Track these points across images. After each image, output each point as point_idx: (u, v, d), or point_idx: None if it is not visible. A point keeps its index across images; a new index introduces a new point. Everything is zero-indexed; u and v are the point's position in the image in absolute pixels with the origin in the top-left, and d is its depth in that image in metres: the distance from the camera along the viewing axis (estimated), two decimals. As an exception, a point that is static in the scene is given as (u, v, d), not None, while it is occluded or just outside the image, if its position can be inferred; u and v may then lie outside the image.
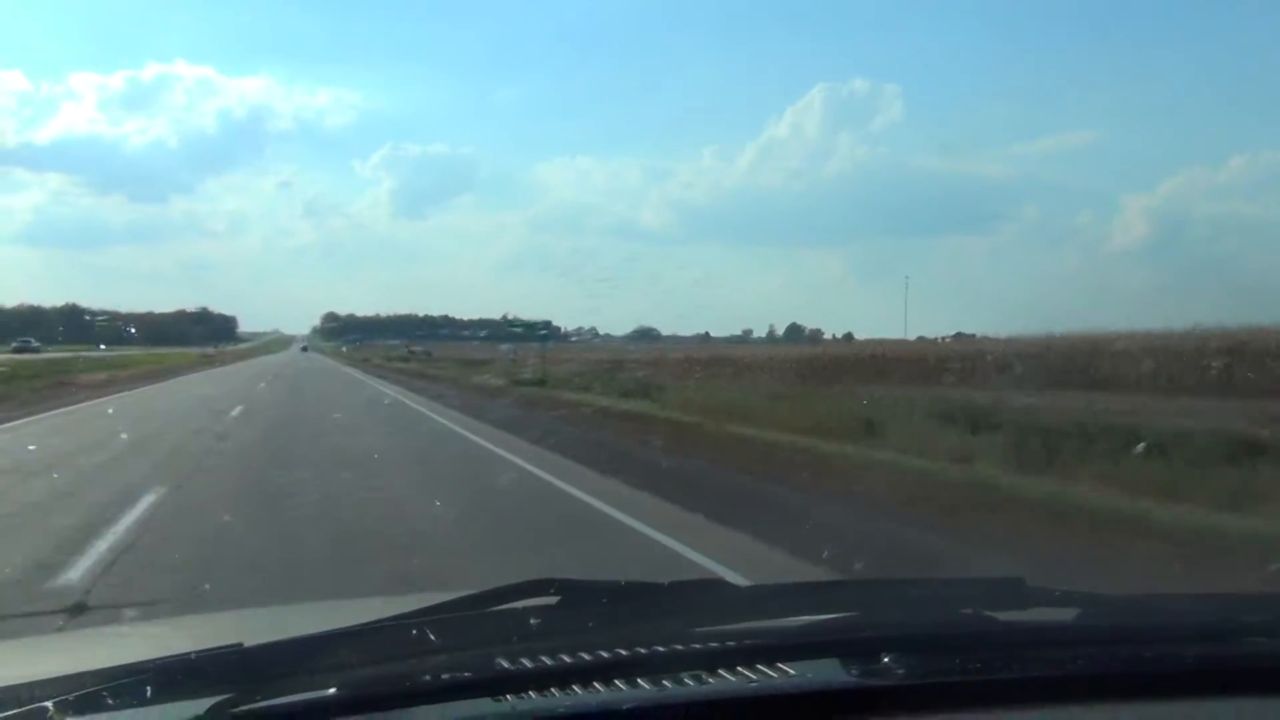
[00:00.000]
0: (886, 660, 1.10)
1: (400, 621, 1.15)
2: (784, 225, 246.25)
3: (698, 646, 1.11)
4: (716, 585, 1.38)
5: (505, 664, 1.05)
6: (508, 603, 1.20)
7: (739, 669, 1.10)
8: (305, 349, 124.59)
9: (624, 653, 1.09)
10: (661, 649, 1.10)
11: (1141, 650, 1.17)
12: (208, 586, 4.79)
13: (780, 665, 1.11)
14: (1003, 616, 1.22)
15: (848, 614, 1.22)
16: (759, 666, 1.10)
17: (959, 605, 1.29)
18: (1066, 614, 1.25)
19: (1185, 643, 1.20)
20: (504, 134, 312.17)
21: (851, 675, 1.10)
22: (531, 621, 1.15)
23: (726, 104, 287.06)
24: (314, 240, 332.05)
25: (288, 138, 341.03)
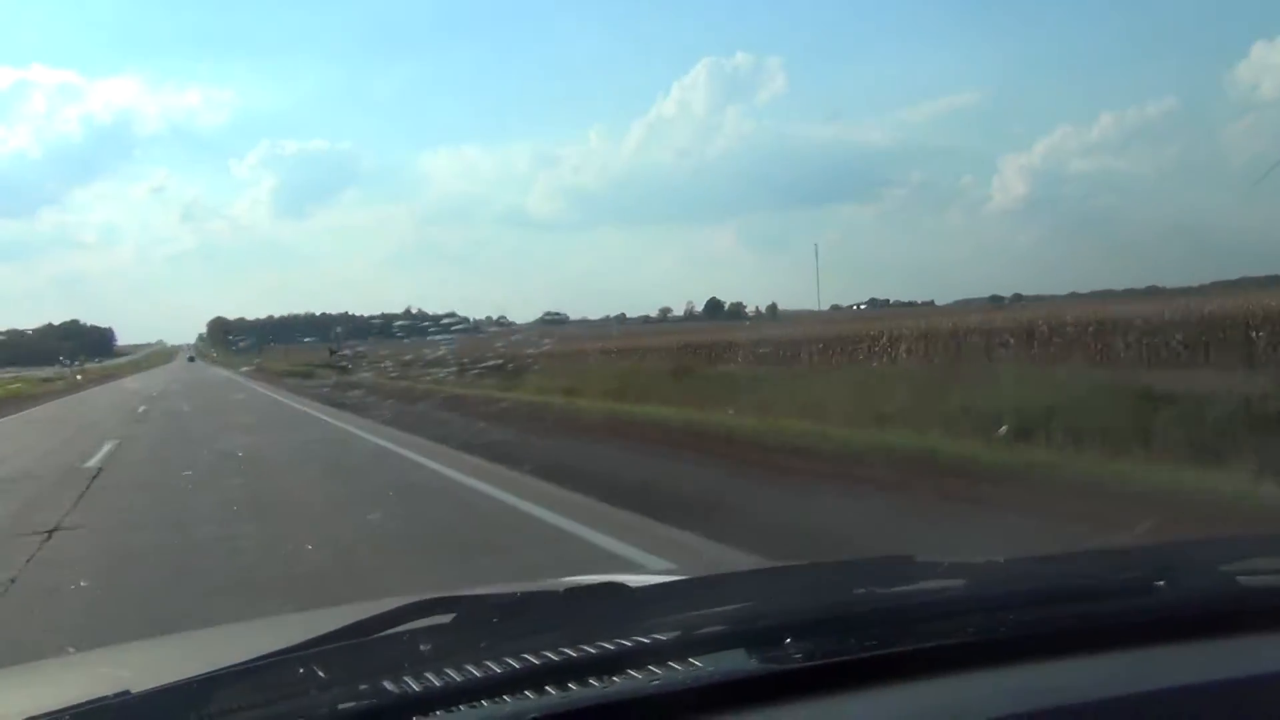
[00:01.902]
0: (787, 645, 1.17)
1: (285, 657, 1.15)
2: (676, 203, 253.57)
3: (602, 649, 1.15)
4: (614, 588, 1.35)
5: (401, 688, 1.07)
6: (397, 626, 1.21)
7: (648, 668, 1.13)
8: (192, 359, 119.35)
9: (532, 661, 1.11)
10: (565, 655, 1.13)
11: (1025, 614, 1.27)
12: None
13: (690, 660, 1.15)
14: (895, 592, 1.30)
15: (746, 604, 1.29)
16: (670, 664, 1.14)
17: (853, 585, 1.37)
18: (955, 584, 1.33)
19: (1066, 603, 1.30)
20: (385, 126, 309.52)
21: (753, 663, 1.16)
22: (424, 644, 1.16)
23: (611, 84, 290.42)
24: (194, 246, 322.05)
25: (158, 140, 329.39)
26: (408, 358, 43.78)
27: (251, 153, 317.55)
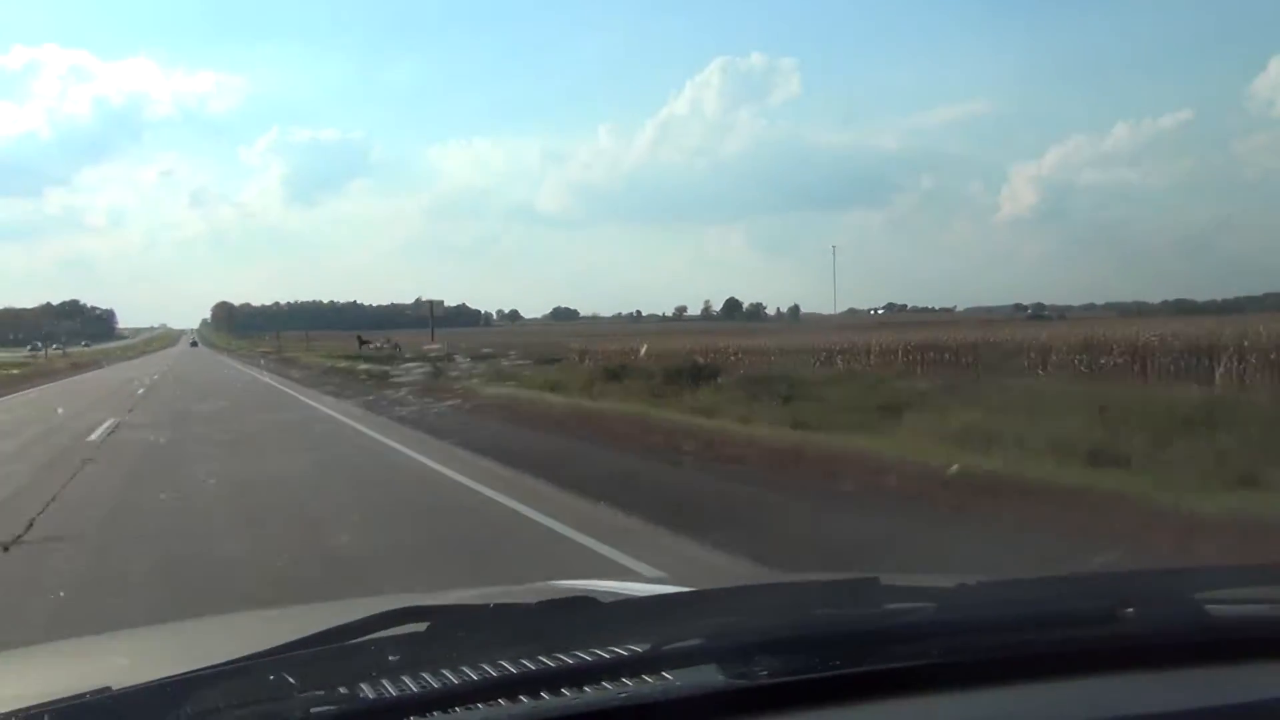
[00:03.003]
0: (755, 661, 1.22)
1: (262, 660, 1.19)
2: (685, 203, 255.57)
3: (575, 659, 1.19)
4: (587, 602, 1.39)
5: (375, 694, 1.12)
6: (372, 633, 1.25)
7: (620, 680, 1.18)
8: (195, 344, 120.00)
9: (505, 670, 1.16)
10: (538, 666, 1.18)
11: (991, 638, 1.31)
12: None
13: (661, 673, 1.20)
14: (863, 613, 1.36)
15: (716, 620, 1.34)
16: (641, 676, 1.19)
17: (822, 605, 1.42)
18: (924, 607, 1.37)
19: (1033, 629, 1.33)
20: (396, 116, 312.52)
21: (722, 678, 1.21)
22: (398, 651, 1.20)
23: (623, 81, 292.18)
24: (201, 231, 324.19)
25: (169, 124, 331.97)
26: (486, 350, 35.92)
27: (262, 139, 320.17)
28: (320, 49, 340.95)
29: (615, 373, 22.58)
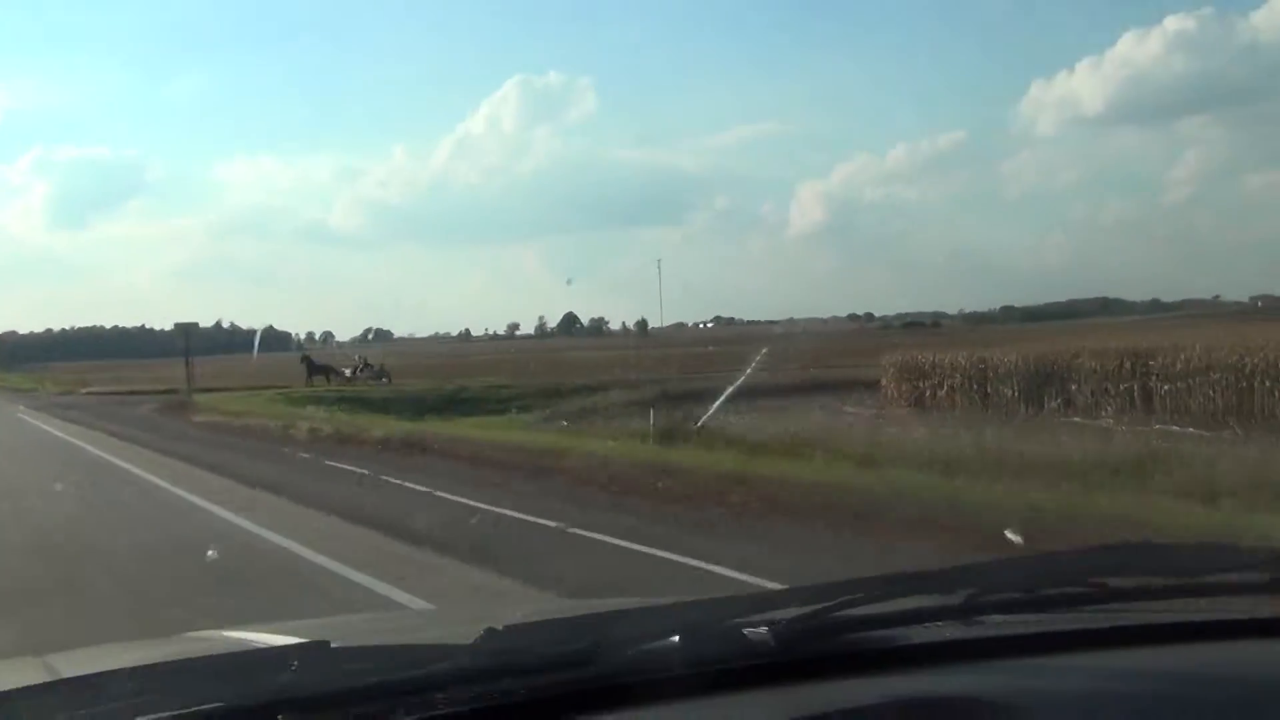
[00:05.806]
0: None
1: None
2: (486, 221, 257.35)
3: None
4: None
5: None
6: None
7: None
8: None
9: None
10: None
11: (598, 669, 1.35)
12: None
13: None
14: (475, 654, 1.37)
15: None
16: None
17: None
18: (535, 643, 1.43)
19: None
20: (174, 134, 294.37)
21: None
22: None
23: (419, 99, 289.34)
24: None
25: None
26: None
27: (24, 158, 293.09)
28: (91, 62, 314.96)
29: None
